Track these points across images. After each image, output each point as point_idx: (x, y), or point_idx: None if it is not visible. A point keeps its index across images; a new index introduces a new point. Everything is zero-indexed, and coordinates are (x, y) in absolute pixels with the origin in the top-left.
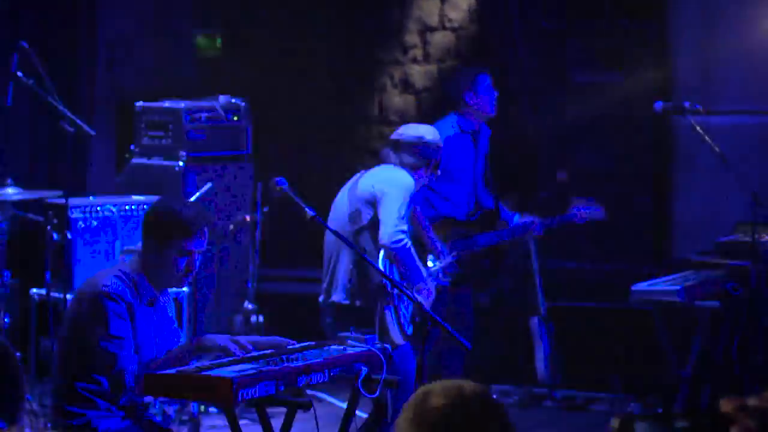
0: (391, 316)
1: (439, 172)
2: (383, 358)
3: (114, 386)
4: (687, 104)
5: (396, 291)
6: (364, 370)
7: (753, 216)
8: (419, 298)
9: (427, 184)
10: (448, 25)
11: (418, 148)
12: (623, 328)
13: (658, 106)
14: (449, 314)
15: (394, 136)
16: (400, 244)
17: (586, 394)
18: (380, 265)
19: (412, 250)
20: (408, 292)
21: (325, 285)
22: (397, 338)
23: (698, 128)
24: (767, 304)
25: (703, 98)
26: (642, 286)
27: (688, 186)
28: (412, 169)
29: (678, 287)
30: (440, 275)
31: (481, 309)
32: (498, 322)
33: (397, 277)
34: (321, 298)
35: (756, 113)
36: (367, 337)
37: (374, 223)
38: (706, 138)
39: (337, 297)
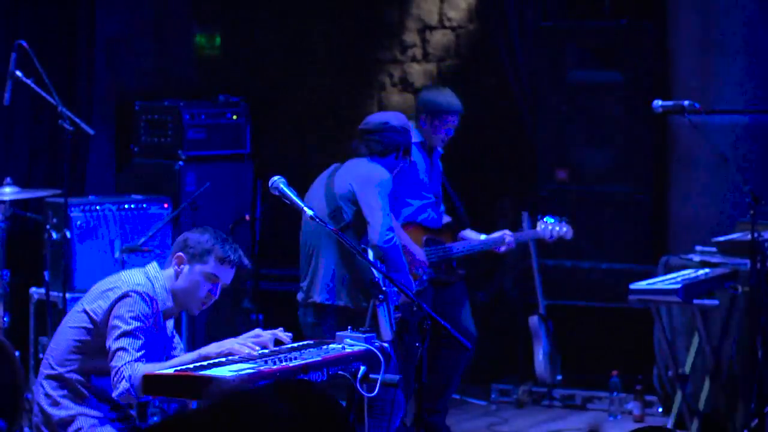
0: (384, 313)
1: (411, 158)
2: (382, 357)
3: (116, 382)
4: (686, 103)
5: (387, 289)
6: (363, 368)
7: (752, 215)
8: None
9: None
10: (447, 24)
11: (384, 133)
12: (622, 327)
13: (657, 105)
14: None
15: (361, 126)
16: (392, 243)
17: (585, 392)
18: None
19: (400, 246)
20: (410, 293)
21: (305, 283)
22: (387, 335)
23: (697, 127)
24: (766, 302)
25: (702, 97)
26: (641, 285)
27: (687, 185)
28: (381, 156)
29: (677, 286)
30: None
31: (480, 307)
32: (497, 320)
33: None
34: (300, 296)
35: (755, 112)
36: (366, 336)
37: (356, 221)
38: (705, 137)
39: (319, 297)
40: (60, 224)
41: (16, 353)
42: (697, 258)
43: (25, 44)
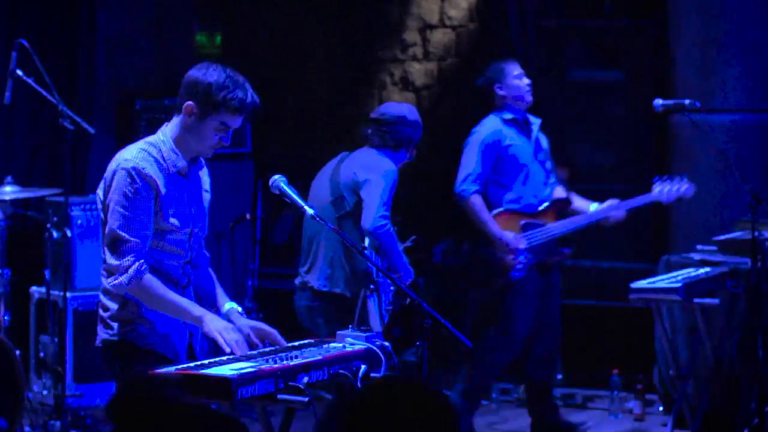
0: (374, 304)
1: (414, 153)
2: (383, 356)
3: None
4: (687, 102)
5: (381, 280)
6: (364, 367)
7: (753, 214)
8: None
9: (489, 176)
10: (448, 23)
11: (401, 127)
12: (623, 326)
13: (658, 104)
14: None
15: (376, 115)
16: (383, 229)
17: (585, 391)
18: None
19: (395, 236)
20: (408, 289)
21: (305, 268)
22: (376, 327)
23: (698, 126)
24: (767, 302)
25: (702, 96)
26: (642, 283)
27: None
28: (394, 149)
29: (678, 285)
30: (514, 266)
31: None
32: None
33: (382, 266)
34: (298, 281)
35: (756, 111)
36: (367, 335)
37: (357, 210)
38: (706, 136)
39: (316, 283)
40: (60, 223)
41: (17, 352)
42: (697, 257)
43: (25, 43)
